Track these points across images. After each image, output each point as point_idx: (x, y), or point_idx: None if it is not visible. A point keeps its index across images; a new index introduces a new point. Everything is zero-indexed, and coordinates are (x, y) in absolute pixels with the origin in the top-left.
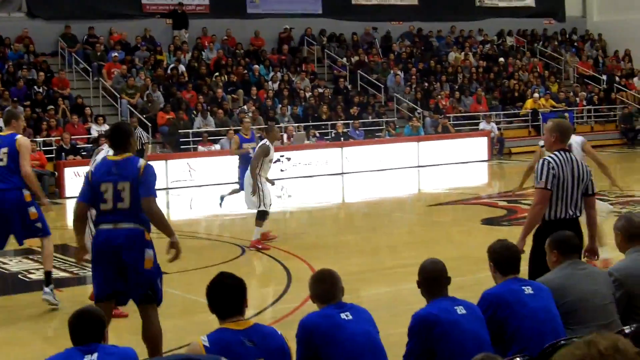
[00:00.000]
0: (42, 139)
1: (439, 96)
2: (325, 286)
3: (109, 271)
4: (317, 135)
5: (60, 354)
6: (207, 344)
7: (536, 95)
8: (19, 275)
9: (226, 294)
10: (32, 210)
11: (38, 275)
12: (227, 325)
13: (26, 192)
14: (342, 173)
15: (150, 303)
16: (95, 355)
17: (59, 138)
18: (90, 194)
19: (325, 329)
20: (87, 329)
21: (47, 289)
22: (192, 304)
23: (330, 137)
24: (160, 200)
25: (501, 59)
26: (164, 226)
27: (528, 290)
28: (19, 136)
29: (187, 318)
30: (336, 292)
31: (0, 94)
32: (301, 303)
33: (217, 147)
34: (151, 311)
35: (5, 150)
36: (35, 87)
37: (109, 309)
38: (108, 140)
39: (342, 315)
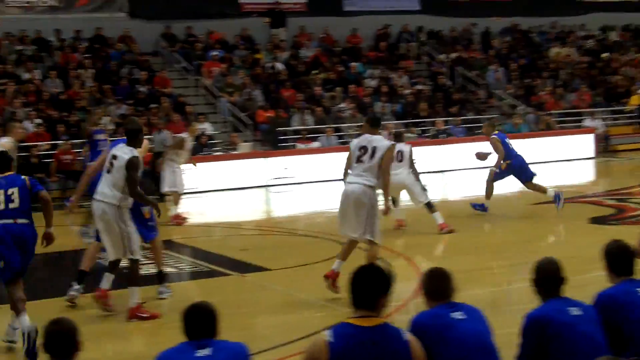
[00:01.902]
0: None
1: (541, 92)
2: (438, 284)
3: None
4: (417, 132)
5: (173, 347)
6: (331, 339)
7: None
8: (125, 271)
9: (362, 282)
10: (145, 209)
11: (144, 270)
12: (353, 321)
13: None
14: (443, 170)
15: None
16: (208, 350)
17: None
18: None
19: (436, 329)
20: (200, 323)
21: (160, 288)
22: (295, 301)
23: (430, 134)
24: (260, 197)
25: (605, 54)
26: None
27: None
28: None
29: (291, 315)
30: (448, 291)
31: (104, 92)
32: (404, 303)
33: (316, 144)
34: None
35: None
36: (138, 85)
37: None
38: None
39: (454, 315)
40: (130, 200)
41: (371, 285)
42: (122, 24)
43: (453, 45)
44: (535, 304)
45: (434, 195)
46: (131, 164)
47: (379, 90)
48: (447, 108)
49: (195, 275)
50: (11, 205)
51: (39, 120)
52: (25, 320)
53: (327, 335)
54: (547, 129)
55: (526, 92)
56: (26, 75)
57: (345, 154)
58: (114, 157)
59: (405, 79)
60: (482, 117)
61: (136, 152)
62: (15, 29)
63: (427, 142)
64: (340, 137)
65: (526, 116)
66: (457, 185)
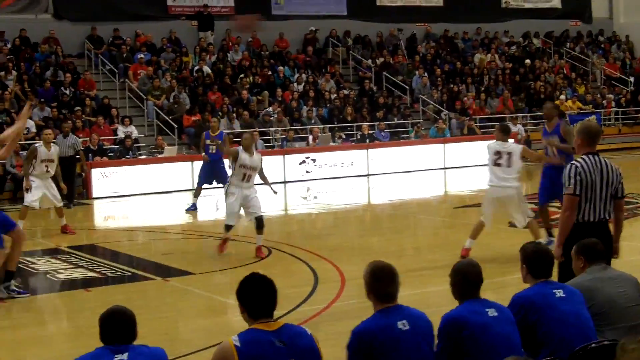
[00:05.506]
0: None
1: (465, 98)
2: (385, 284)
3: None
4: (343, 136)
5: (90, 353)
6: (238, 343)
7: (562, 97)
8: (47, 275)
9: (257, 294)
10: None
11: (66, 275)
12: (257, 326)
13: None
14: (368, 174)
15: None
16: (126, 355)
17: (87, 139)
18: None
19: (383, 340)
20: (118, 328)
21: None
22: (218, 305)
23: (355, 138)
24: (186, 201)
25: (527, 61)
26: None
27: (559, 293)
28: None
29: (213, 318)
30: (395, 292)
31: (27, 94)
32: (328, 305)
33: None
34: None
35: None
36: (62, 88)
37: None
38: None
39: (400, 325)
40: None
41: (261, 294)
42: (47, 25)
43: (379, 50)
44: (454, 305)
45: (359, 199)
46: None
47: (306, 95)
48: (373, 112)
49: (118, 280)
50: None
51: None
52: None
53: (234, 341)
54: (470, 134)
55: (450, 97)
56: None
57: (272, 158)
58: None
59: (331, 83)
60: (407, 121)
61: None
62: None
63: (353, 147)
64: (266, 141)
65: (450, 121)
66: (382, 189)
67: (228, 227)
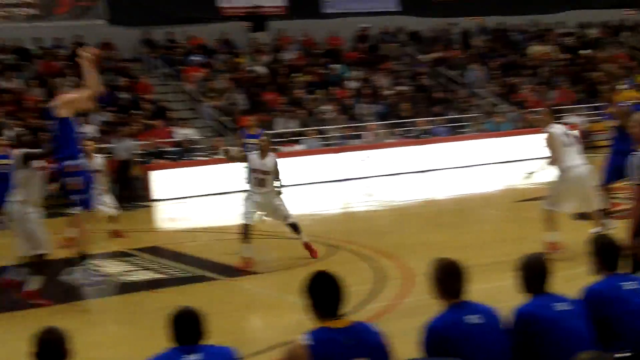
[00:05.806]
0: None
1: (522, 90)
2: (453, 280)
3: None
4: (400, 133)
5: (162, 354)
6: (309, 342)
7: (624, 86)
8: (114, 277)
9: (326, 291)
10: (71, 181)
11: (133, 277)
12: (326, 324)
13: (67, 163)
14: (427, 170)
15: None
16: (197, 355)
17: (146, 142)
18: None
19: (453, 335)
20: (188, 328)
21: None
22: (283, 304)
23: (412, 134)
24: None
25: (585, 51)
26: None
27: (631, 285)
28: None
29: (280, 317)
30: (462, 288)
31: None
32: (394, 301)
33: (300, 147)
34: None
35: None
36: (119, 92)
37: None
38: None
39: (468, 319)
40: None
41: (335, 293)
42: (102, 30)
43: (433, 45)
44: (519, 300)
45: (418, 195)
46: None
47: (360, 92)
48: (429, 108)
49: (183, 281)
50: None
51: (21, 129)
52: None
53: (306, 339)
54: (529, 127)
55: (507, 90)
56: (6, 85)
57: (329, 156)
58: None
59: (386, 80)
60: (464, 116)
61: None
62: None
63: (411, 142)
64: (323, 139)
65: (507, 114)
66: (441, 184)
67: (245, 229)
